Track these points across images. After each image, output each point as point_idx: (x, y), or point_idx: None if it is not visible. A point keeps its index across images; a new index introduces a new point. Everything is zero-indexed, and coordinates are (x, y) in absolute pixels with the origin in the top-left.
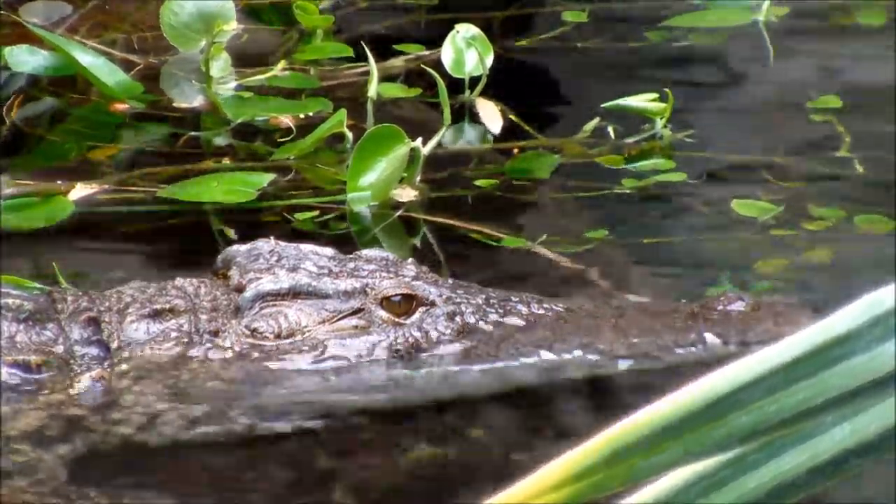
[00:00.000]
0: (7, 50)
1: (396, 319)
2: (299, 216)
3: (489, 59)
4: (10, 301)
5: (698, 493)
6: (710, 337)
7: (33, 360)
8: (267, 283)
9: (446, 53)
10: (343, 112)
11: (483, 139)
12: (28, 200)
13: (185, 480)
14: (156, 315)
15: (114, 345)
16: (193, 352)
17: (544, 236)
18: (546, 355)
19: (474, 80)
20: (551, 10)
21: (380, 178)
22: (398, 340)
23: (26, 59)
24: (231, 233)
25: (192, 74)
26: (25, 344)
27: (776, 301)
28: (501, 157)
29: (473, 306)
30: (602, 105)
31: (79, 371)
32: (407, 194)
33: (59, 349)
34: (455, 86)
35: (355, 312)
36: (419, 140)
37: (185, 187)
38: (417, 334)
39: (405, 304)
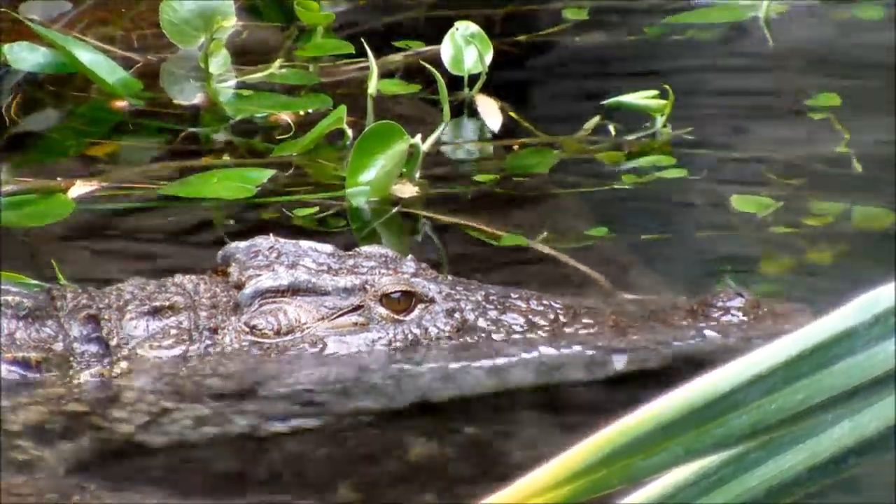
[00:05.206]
0: (7, 47)
1: (396, 316)
2: (299, 212)
3: (489, 56)
4: (9, 298)
5: (699, 491)
6: (709, 334)
7: (33, 358)
8: (266, 280)
9: (446, 50)
10: (343, 108)
11: (482, 135)
12: (28, 197)
13: (184, 477)
14: (155, 312)
15: (113, 342)
16: (193, 349)
17: (544, 233)
18: (545, 352)
19: (474, 77)
20: (551, 8)
21: (379, 174)
22: (397, 337)
23: (26, 57)
24: (231, 228)
25: (191, 71)
26: (25, 341)
27: (775, 298)
28: (501, 154)
29: (473, 303)
30: (602, 102)
31: (78, 368)
32: (406, 190)
33: (59, 346)
34: (455, 83)
35: (355, 309)
36: (418, 136)
37: (184, 184)
38: (417, 331)
39: (405, 301)
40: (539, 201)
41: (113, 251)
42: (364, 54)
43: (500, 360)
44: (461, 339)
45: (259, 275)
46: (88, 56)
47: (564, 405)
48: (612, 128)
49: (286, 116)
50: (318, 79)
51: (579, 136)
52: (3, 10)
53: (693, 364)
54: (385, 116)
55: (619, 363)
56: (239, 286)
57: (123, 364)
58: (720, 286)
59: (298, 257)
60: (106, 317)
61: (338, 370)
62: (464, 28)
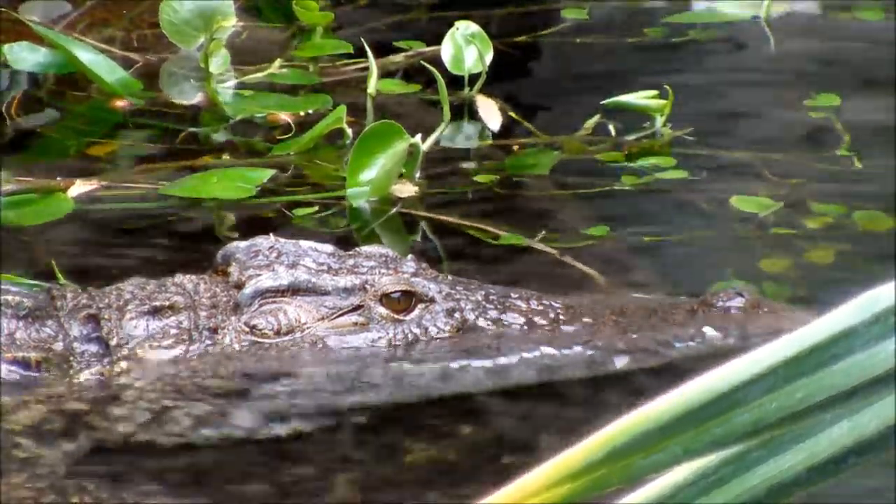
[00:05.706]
0: (7, 47)
1: (396, 316)
2: (299, 212)
3: (489, 56)
4: (9, 298)
5: (698, 491)
6: (709, 334)
7: (33, 357)
8: (266, 280)
9: (446, 50)
10: (342, 108)
11: (482, 136)
12: (27, 197)
13: (183, 477)
14: (155, 312)
15: (113, 342)
16: (193, 348)
17: (544, 233)
18: (545, 352)
19: (474, 77)
20: (551, 8)
21: (379, 174)
22: (397, 337)
23: (26, 57)
24: (231, 228)
25: (191, 71)
26: (25, 341)
27: (776, 298)
28: (501, 154)
29: (473, 303)
30: (602, 102)
31: (78, 368)
32: (406, 190)
33: (59, 346)
34: (455, 83)
35: (355, 309)
36: (418, 136)
37: (184, 184)
38: (417, 331)
39: (405, 301)
40: (539, 201)
41: (112, 251)
42: (364, 54)
43: (500, 360)
44: (461, 339)
45: (259, 275)
46: (88, 56)
47: (564, 405)
48: (611, 128)
49: (286, 116)
50: (318, 79)
51: (579, 136)
52: (3, 10)
53: (693, 363)
54: (385, 116)
55: (619, 363)
56: (239, 286)
57: (123, 364)
58: (720, 286)
59: (298, 257)
60: (106, 316)
61: (338, 370)
62: (464, 28)
